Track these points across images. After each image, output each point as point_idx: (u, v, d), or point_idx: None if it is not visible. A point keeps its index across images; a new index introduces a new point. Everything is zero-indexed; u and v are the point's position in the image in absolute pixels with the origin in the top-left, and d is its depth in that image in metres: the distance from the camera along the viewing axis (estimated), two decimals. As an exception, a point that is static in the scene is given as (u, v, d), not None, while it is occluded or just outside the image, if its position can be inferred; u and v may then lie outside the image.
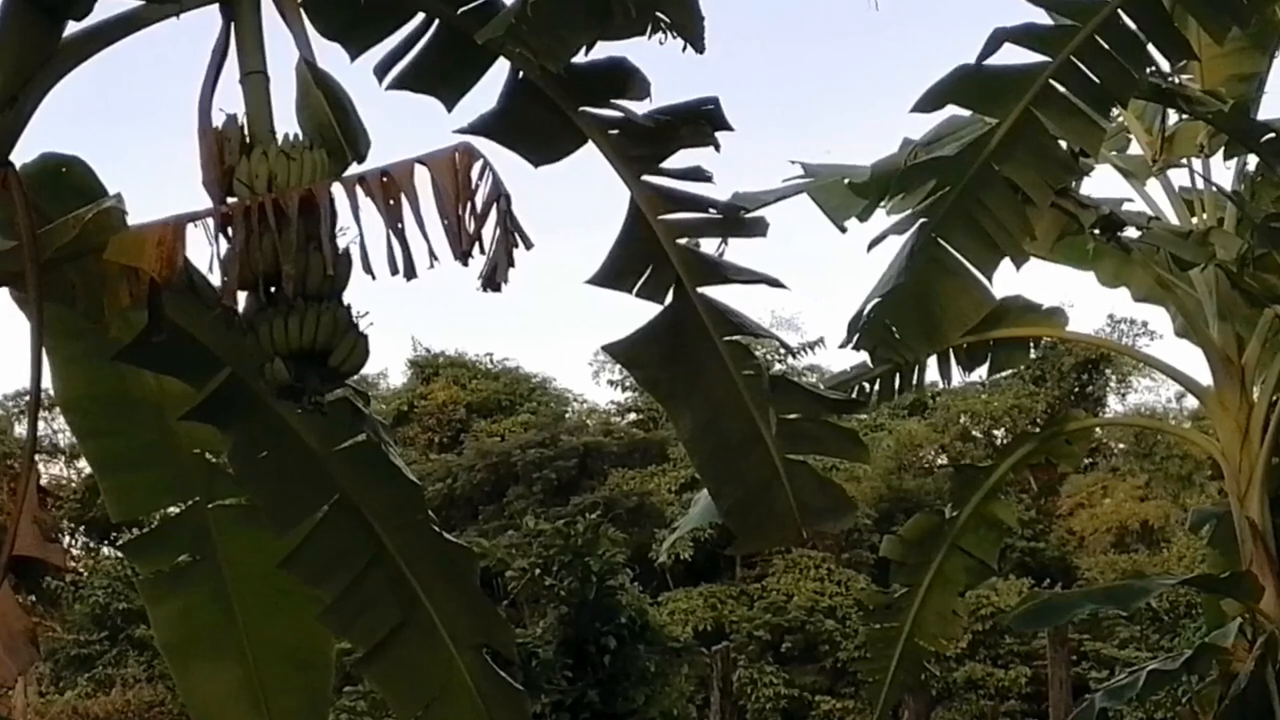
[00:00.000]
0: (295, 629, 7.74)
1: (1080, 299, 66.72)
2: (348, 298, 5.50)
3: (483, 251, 5.11)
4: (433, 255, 5.06)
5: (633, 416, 51.80)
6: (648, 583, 37.00)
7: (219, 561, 7.70)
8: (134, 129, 65.14)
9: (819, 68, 73.70)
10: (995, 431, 48.44)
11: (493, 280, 5.14)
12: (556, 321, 68.82)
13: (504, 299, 5.17)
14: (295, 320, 5.37)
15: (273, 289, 5.36)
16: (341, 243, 5.30)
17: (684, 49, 6.70)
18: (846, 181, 10.94)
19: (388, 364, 58.65)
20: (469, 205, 5.10)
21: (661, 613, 40.09)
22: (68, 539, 50.34)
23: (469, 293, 5.15)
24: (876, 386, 12.37)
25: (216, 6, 6.03)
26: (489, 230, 5.12)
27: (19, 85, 5.74)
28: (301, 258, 5.25)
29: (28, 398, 8.36)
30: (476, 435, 50.93)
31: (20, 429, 49.02)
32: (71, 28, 5.92)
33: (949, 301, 9.68)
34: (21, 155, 6.20)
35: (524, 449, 47.40)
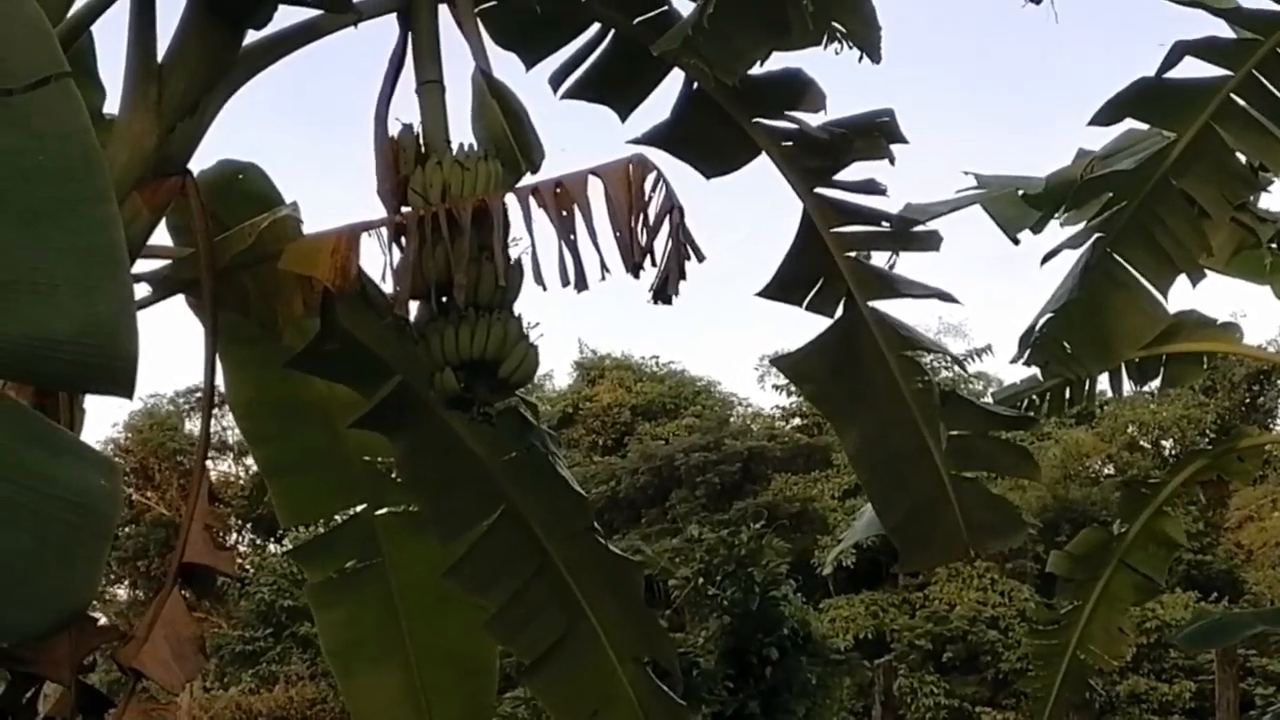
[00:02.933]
0: (459, 636, 7.75)
1: (1252, 308, 65.83)
2: (520, 304, 5.51)
3: (654, 263, 5.09)
4: (604, 267, 5.05)
5: (797, 421, 51.50)
6: (810, 589, 36.84)
7: (386, 568, 7.74)
8: (313, 137, 65.87)
9: (987, 76, 73.03)
10: (1164, 442, 47.72)
11: (664, 293, 5.13)
12: (722, 324, 68.79)
13: (674, 303, 5.16)
14: (466, 330, 5.39)
15: (445, 298, 5.39)
16: (514, 253, 5.29)
17: (860, 59, 6.66)
18: (1020, 193, 10.80)
19: (554, 365, 58.89)
20: (641, 217, 5.10)
21: (823, 619, 39.94)
22: (235, 536, 51.07)
23: (636, 295, 5.15)
24: (1046, 399, 12.24)
25: (394, 16, 6.07)
26: (661, 242, 5.10)
27: (200, 93, 5.80)
28: (474, 268, 5.27)
29: (198, 395, 8.46)
30: (640, 438, 50.95)
31: (190, 425, 49.83)
32: (251, 37, 5.97)
33: (1122, 317, 9.53)
34: (200, 162, 6.29)
35: (688, 452, 47.32)
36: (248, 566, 48.24)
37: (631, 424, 52.80)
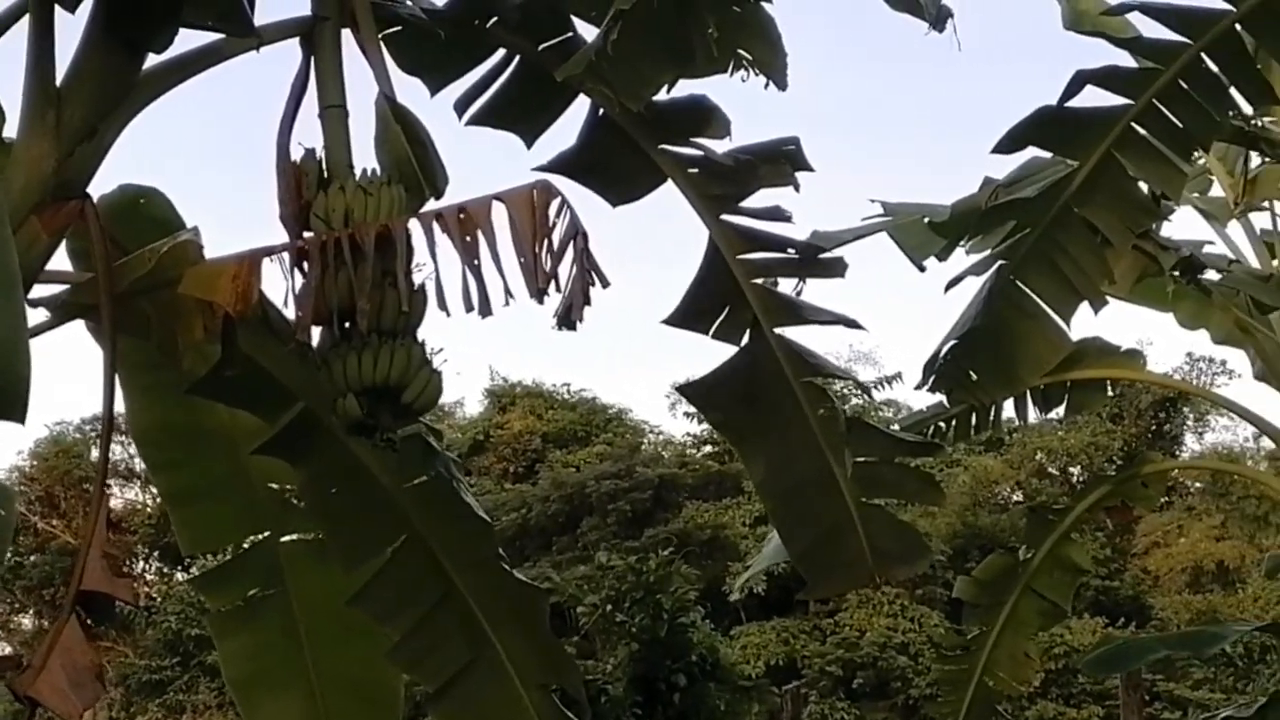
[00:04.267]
0: (364, 665, 7.69)
1: (1159, 336, 66.43)
2: (426, 329, 5.49)
3: (559, 289, 5.07)
4: (508, 293, 5.04)
5: (708, 449, 51.55)
6: (721, 616, 36.88)
7: (289, 596, 7.67)
8: (213, 162, 65.57)
9: (895, 106, 73.50)
10: (1071, 469, 48.13)
11: (568, 319, 5.11)
12: (633, 352, 68.83)
13: (582, 331, 5.15)
14: (369, 356, 5.37)
15: (347, 324, 5.36)
16: (417, 279, 5.27)
17: (766, 86, 6.69)
18: (926, 220, 10.85)
19: (464, 393, 58.77)
20: (546, 243, 5.09)
21: (734, 647, 39.99)
22: (141, 564, 50.68)
23: (547, 323, 5.14)
24: (953, 426, 12.29)
25: (297, 40, 6.04)
26: (565, 268, 5.09)
27: (99, 117, 5.74)
28: (377, 294, 5.25)
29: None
30: (552, 465, 50.89)
31: (96, 453, 49.41)
32: (152, 60, 5.92)
33: (1026, 344, 9.59)
34: (100, 187, 6.23)
35: (599, 480, 47.32)
36: (154, 595, 47.89)
37: (543, 451, 52.75)
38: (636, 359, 68.41)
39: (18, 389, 3.58)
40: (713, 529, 45.37)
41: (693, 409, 51.02)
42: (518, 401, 55.04)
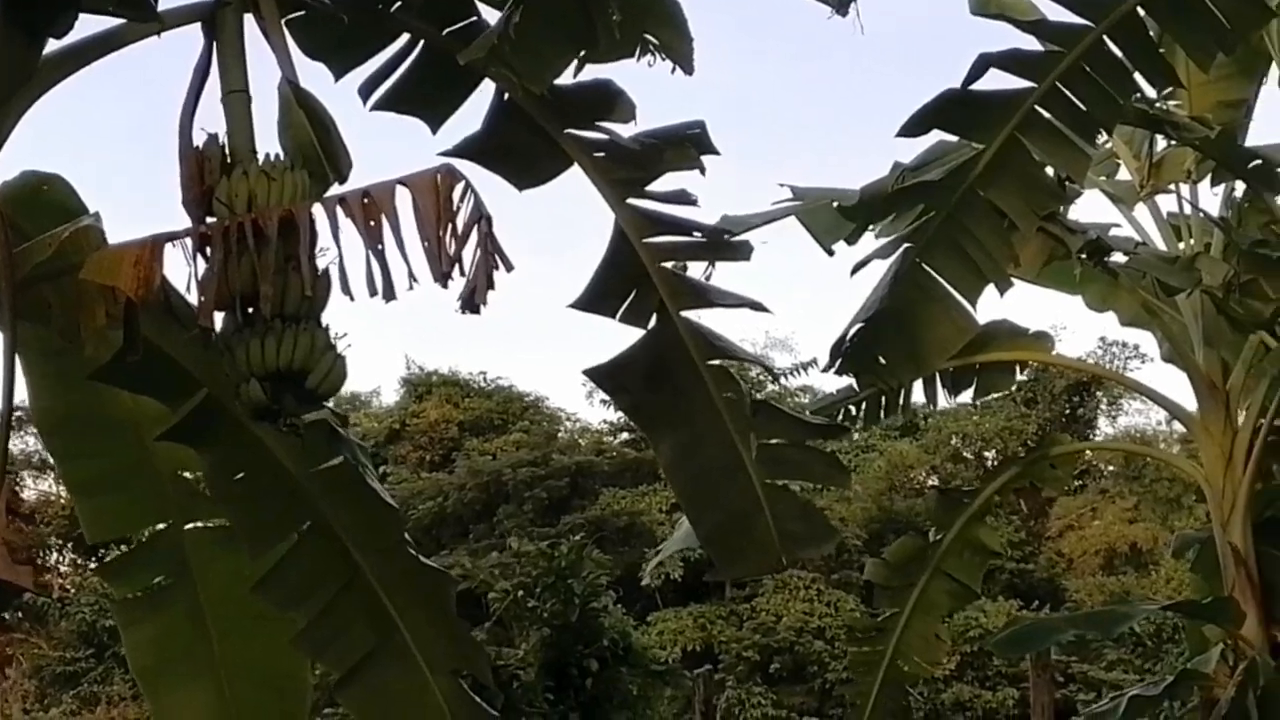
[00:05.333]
0: (271, 652, 7.66)
1: (1074, 322, 66.90)
2: (338, 316, 5.48)
3: (463, 273, 5.06)
4: (412, 277, 5.03)
5: (625, 436, 51.47)
6: (638, 603, 36.88)
7: (195, 584, 7.62)
8: (115, 148, 64.97)
9: (806, 91, 73.60)
10: (986, 453, 48.36)
11: (472, 302, 5.10)
12: (551, 340, 68.69)
13: (498, 318, 5.16)
14: (272, 341, 5.34)
15: (250, 310, 5.32)
16: (321, 263, 5.25)
17: (672, 71, 6.70)
18: (835, 205, 10.88)
19: (380, 382, 58.57)
20: (450, 227, 5.08)
21: (651, 633, 40.03)
22: (54, 555, 50.24)
23: (461, 312, 5.13)
24: (862, 409, 12.33)
25: (199, 25, 6.00)
26: (469, 252, 5.08)
27: (-2, 104, 5.70)
28: (280, 278, 5.22)
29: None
30: (468, 454, 50.71)
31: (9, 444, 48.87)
32: (52, 46, 5.88)
33: (932, 327, 9.66)
34: (2, 174, 6.18)
35: (515, 468, 47.22)
36: (68, 587, 47.48)
37: (459, 440, 52.59)
38: (554, 347, 68.21)
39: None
40: (629, 516, 45.36)
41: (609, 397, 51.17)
42: (434, 390, 54.83)
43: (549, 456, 48.01)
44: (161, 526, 7.63)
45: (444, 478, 49.09)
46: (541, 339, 67.85)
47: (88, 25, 5.95)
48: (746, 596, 44.57)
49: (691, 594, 43.85)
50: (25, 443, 42.65)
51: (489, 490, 47.27)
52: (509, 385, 56.05)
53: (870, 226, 10.93)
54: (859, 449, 49.38)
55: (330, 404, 6.19)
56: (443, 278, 5.04)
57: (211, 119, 5.75)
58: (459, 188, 5.14)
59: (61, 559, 50.21)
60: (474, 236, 5.10)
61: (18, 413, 8.65)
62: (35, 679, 43.04)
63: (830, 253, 10.93)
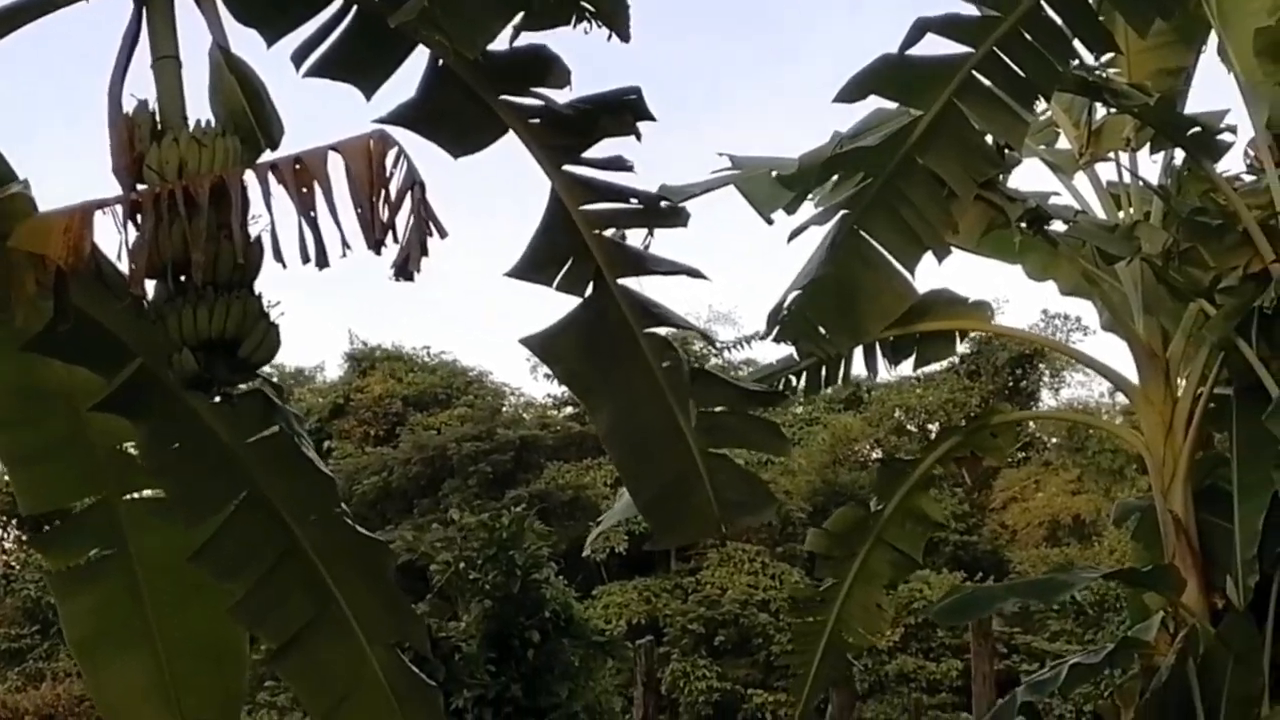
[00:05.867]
0: (209, 624, 7.62)
1: (1016, 295, 67.17)
2: (279, 290, 5.44)
3: (396, 240, 5.04)
4: (345, 244, 5.00)
5: (569, 410, 51.57)
6: (583, 577, 36.92)
7: (131, 555, 7.58)
8: (45, 115, 64.59)
9: (744, 60, 73.66)
10: (930, 425, 48.51)
11: (405, 269, 5.08)
12: (494, 314, 68.63)
13: (441, 292, 5.13)
14: (204, 310, 5.31)
15: (182, 278, 5.28)
16: (254, 231, 5.21)
17: (609, 38, 6.65)
18: (774, 174, 10.87)
19: (324, 357, 58.50)
20: (383, 193, 5.05)
21: (596, 606, 40.14)
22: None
23: (405, 286, 5.10)
24: (803, 380, 12.33)
25: (129, -11, 5.95)
26: (403, 219, 5.05)
27: (-77, 69, 5.64)
28: (211, 246, 5.18)
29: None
30: (413, 428, 50.74)
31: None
32: (-21, 11, 5.83)
33: (870, 294, 9.67)
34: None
35: (460, 442, 47.28)
36: (13, 564, 47.32)
37: (403, 414, 52.60)
38: (498, 322, 68.17)
39: None
40: (574, 489, 45.47)
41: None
42: (378, 365, 54.82)
43: (493, 431, 48.08)
44: (97, 498, 7.57)
45: (388, 452, 49.13)
46: (485, 313, 67.79)
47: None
48: (691, 570, 44.74)
49: (636, 567, 44.03)
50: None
51: (433, 465, 47.34)
52: (453, 360, 56.20)
53: (810, 196, 10.94)
54: (803, 422, 49.61)
55: (273, 376, 6.16)
56: (376, 245, 5.02)
57: (142, 85, 5.71)
58: (392, 154, 5.12)
59: (5, 535, 49.99)
60: (407, 203, 5.08)
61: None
62: (-21, 655, 42.96)
63: (770, 222, 10.92)
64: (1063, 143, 13.08)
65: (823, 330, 9.84)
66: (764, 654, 41.62)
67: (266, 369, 5.92)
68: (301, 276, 5.16)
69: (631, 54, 6.61)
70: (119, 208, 5.16)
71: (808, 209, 10.84)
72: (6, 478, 44.43)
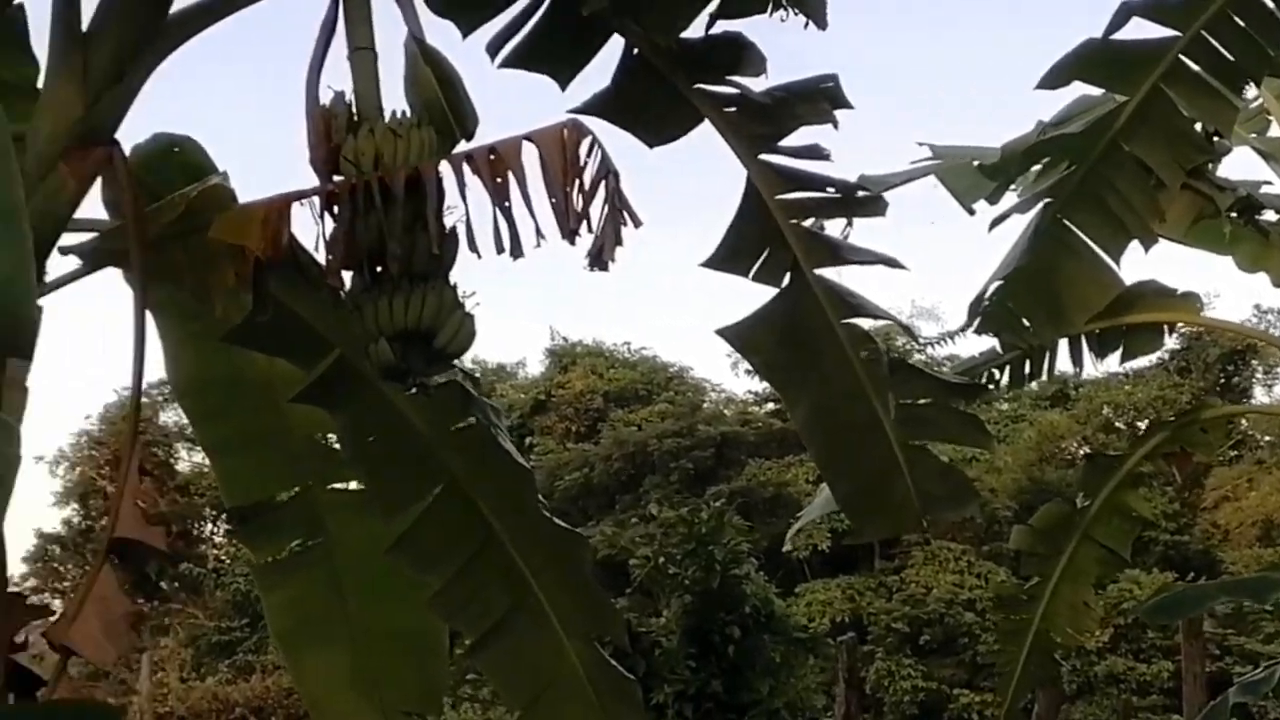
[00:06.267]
0: (408, 615, 7.65)
1: (1228, 288, 65.97)
2: (480, 285, 5.43)
3: (591, 230, 5.01)
4: (540, 234, 4.97)
5: (770, 406, 51.30)
6: (785, 574, 36.82)
7: (331, 547, 7.64)
8: (242, 108, 65.59)
9: (946, 49, 72.92)
10: (1139, 423, 47.66)
11: (599, 259, 5.05)
12: (695, 310, 68.72)
13: (642, 287, 5.11)
14: (400, 300, 5.29)
15: (378, 268, 5.29)
16: (448, 221, 5.21)
17: (805, 26, 6.58)
18: (976, 163, 10.72)
19: (526, 353, 58.85)
20: (577, 182, 5.02)
21: (799, 604, 40.01)
22: (209, 526, 51.03)
23: (607, 282, 5.09)
24: (1006, 374, 12.15)
25: (325, -18, 5.97)
26: (597, 208, 5.02)
27: (126, 61, 5.68)
28: (407, 236, 5.17)
29: (169, 387, 8.37)
30: (613, 425, 50.91)
31: (164, 417, 49.75)
32: (180, 3, 5.88)
33: (1074, 284, 9.47)
34: (133, 135, 6.20)
35: (661, 438, 47.35)
36: (223, 558, 48.22)
37: (604, 410, 52.82)
38: (699, 317, 68.27)
39: (24, 327, 3.54)
40: (776, 487, 45.32)
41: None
42: (579, 361, 55.12)
43: (694, 427, 48.07)
44: (298, 490, 7.64)
45: (589, 449, 49.33)
46: (687, 309, 67.84)
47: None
48: (895, 568, 44.44)
49: (839, 565, 43.82)
50: (179, 414, 43.40)
51: (634, 461, 47.43)
52: (653, 355, 56.34)
53: (1013, 186, 10.77)
54: (1008, 419, 49.09)
55: (476, 372, 6.15)
56: (570, 234, 4.99)
57: (338, 77, 5.73)
58: (585, 142, 5.09)
59: (215, 530, 50.99)
60: (601, 192, 5.05)
61: (169, 386, 8.72)
62: (191, 648, 43.91)
63: (971, 212, 10.75)
64: (1274, 130, 12.76)
65: (1025, 321, 9.66)
66: (970, 654, 41.25)
67: (469, 362, 5.93)
68: (503, 272, 5.15)
69: (817, 42, 6.53)
70: (316, 199, 5.17)
71: (1010, 199, 10.68)
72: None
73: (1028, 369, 12.10)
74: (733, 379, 66.24)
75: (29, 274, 3.60)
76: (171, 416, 48.48)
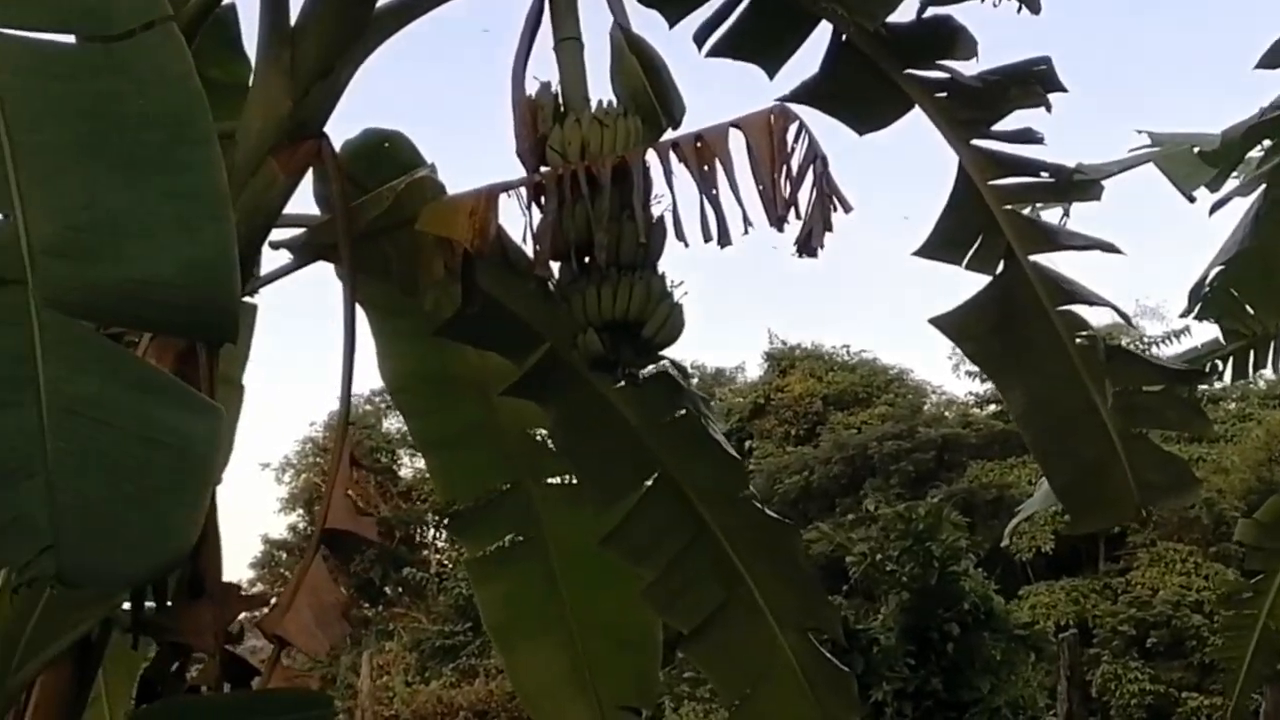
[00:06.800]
0: (621, 608, 7.64)
1: None
2: (703, 281, 5.39)
3: (799, 216, 4.95)
4: (747, 221, 4.92)
5: (993, 408, 50.77)
6: (1008, 577, 36.41)
7: (545, 541, 7.66)
8: (452, 98, 66.16)
9: (1160, 30, 71.53)
10: (1373, 419, 46.53)
11: (808, 245, 4.98)
12: (914, 312, 68.25)
13: (860, 289, 5.03)
14: (608, 290, 5.27)
15: (586, 259, 5.27)
16: (655, 210, 5.18)
17: (1019, 9, 6.48)
18: (1195, 150, 10.49)
19: (744, 357, 58.82)
20: (784, 169, 4.96)
21: (1023, 606, 39.51)
22: (431, 531, 51.60)
23: (826, 284, 5.02)
24: (1229, 363, 11.89)
25: (528, -25, 5.98)
26: (805, 194, 4.96)
27: (334, 56, 5.76)
28: (615, 226, 5.16)
29: (390, 394, 8.47)
30: (833, 427, 50.69)
31: (387, 424, 50.46)
32: (383, -2, 5.94)
33: (1298, 267, 9.25)
34: (342, 129, 6.27)
35: (881, 441, 47.04)
36: (445, 562, 48.74)
37: (824, 414, 52.59)
38: (916, 320, 67.69)
39: (227, 308, 3.58)
40: (998, 489, 44.76)
41: (975, 368, 50.59)
42: (797, 364, 54.91)
43: (914, 429, 47.67)
44: (510, 483, 7.66)
45: (809, 451, 49.11)
46: (904, 311, 67.37)
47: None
48: (1120, 570, 43.72)
49: (1063, 567, 43.19)
50: (401, 421, 43.94)
51: (854, 464, 47.14)
52: (873, 358, 55.94)
53: (1234, 173, 10.54)
54: (1236, 419, 48.03)
55: (694, 377, 6.10)
56: (778, 221, 4.93)
57: (544, 67, 5.74)
58: (793, 128, 5.03)
59: (438, 535, 51.56)
60: (809, 178, 4.98)
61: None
62: (415, 652, 44.40)
63: (1191, 200, 10.52)
64: None
65: (1248, 307, 9.46)
66: (1198, 656, 40.39)
67: (687, 363, 5.89)
68: (721, 276, 5.11)
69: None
70: (523, 190, 5.17)
71: (1231, 185, 10.45)
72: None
73: (1252, 359, 11.83)
74: (954, 380, 65.76)
75: (232, 259, 3.64)
76: (394, 423, 49.11)
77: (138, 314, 3.60)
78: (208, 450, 3.53)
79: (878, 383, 54.49)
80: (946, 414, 52.44)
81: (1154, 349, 41.70)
